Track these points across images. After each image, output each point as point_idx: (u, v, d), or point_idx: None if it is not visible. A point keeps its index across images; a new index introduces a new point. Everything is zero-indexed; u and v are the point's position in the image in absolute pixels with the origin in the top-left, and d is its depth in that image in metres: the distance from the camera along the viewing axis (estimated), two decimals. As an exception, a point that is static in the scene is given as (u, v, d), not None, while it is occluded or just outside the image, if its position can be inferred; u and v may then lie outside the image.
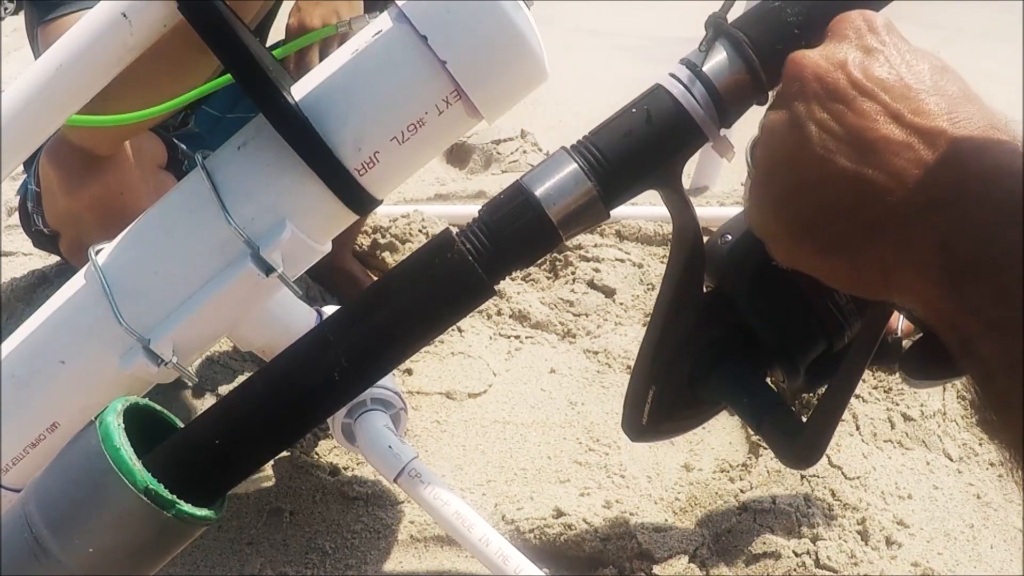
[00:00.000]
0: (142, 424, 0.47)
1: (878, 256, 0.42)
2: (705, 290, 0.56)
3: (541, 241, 0.49)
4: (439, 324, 0.49)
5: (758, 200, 0.47)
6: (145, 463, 0.44)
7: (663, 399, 0.57)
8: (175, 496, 0.43)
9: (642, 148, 0.49)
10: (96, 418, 0.44)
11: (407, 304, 0.47)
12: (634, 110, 0.50)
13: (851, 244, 0.43)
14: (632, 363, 1.55)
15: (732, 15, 0.52)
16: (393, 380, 1.11)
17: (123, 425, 0.44)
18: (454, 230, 0.49)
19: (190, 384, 0.75)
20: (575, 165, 0.49)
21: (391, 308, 0.48)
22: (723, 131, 0.51)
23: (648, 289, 1.68)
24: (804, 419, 0.54)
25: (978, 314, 0.38)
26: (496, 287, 0.49)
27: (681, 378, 0.56)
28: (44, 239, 1.47)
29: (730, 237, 0.57)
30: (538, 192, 0.48)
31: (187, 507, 0.44)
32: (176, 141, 1.45)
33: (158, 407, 0.50)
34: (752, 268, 0.54)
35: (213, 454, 0.46)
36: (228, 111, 1.24)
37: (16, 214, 1.54)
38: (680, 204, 0.52)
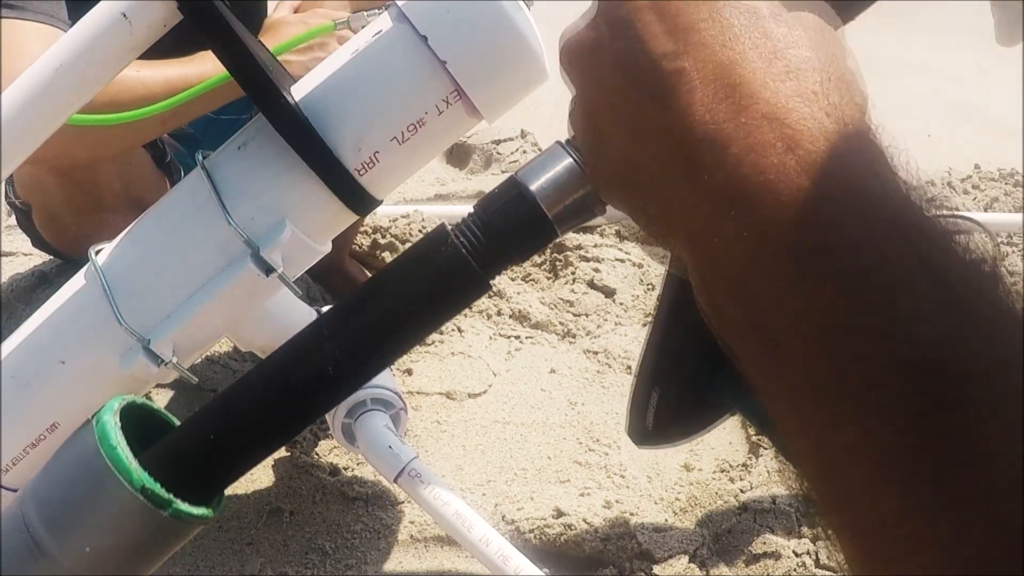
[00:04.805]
0: (139, 423, 0.46)
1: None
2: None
3: (536, 235, 0.49)
4: (434, 319, 0.49)
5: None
6: (141, 462, 0.44)
7: (667, 402, 0.56)
8: (172, 495, 0.43)
9: None
10: (93, 417, 0.44)
11: (401, 299, 0.47)
12: None
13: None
14: (632, 363, 1.56)
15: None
16: (393, 380, 1.11)
17: (120, 424, 0.44)
18: (449, 227, 0.49)
19: (190, 384, 0.74)
20: (570, 159, 0.49)
21: (386, 303, 0.47)
22: None
23: (648, 289, 1.68)
24: None
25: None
26: (491, 282, 0.49)
27: (685, 380, 0.56)
28: (27, 220, 1.48)
29: None
30: (532, 186, 0.48)
31: (184, 506, 0.44)
32: (168, 137, 1.45)
33: (155, 406, 0.50)
34: None
35: (209, 451, 0.46)
36: (221, 112, 1.24)
37: (14, 215, 1.55)
38: None
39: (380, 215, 1.72)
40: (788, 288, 0.31)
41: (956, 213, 0.58)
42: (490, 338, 1.58)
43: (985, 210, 2.05)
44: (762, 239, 0.31)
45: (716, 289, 0.35)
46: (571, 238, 1.76)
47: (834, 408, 0.29)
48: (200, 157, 0.66)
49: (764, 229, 0.31)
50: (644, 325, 1.58)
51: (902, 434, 0.28)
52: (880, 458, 0.28)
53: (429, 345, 1.54)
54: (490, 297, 1.64)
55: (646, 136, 0.36)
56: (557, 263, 1.74)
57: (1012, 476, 0.26)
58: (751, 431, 1.38)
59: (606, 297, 1.66)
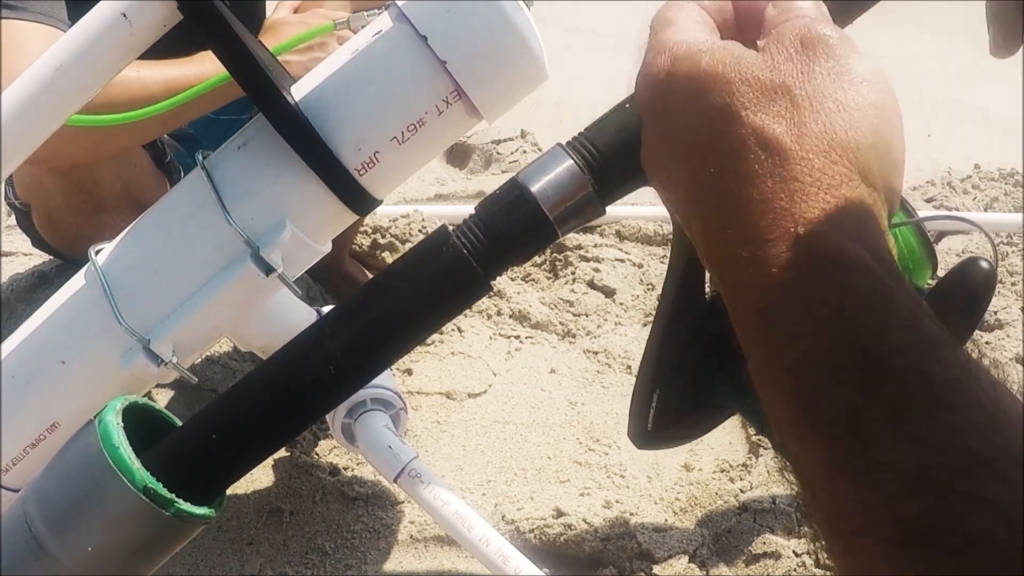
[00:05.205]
0: (141, 423, 0.47)
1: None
2: (710, 293, 0.56)
3: (537, 237, 0.49)
4: (435, 319, 0.49)
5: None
6: (143, 462, 0.44)
7: (668, 404, 0.56)
8: (174, 495, 0.43)
9: (636, 143, 0.49)
10: (95, 417, 0.45)
11: (403, 299, 0.47)
12: (628, 105, 0.50)
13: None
14: (632, 363, 1.56)
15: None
16: (393, 380, 1.11)
17: (122, 424, 0.44)
18: (451, 227, 0.49)
19: (190, 384, 0.75)
20: (570, 161, 0.49)
21: (387, 304, 0.48)
22: None
23: (648, 289, 1.68)
24: None
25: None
26: (492, 283, 0.49)
27: (685, 382, 0.56)
28: (27, 221, 1.48)
29: None
30: (534, 188, 0.48)
31: (186, 506, 0.44)
32: (167, 138, 1.45)
33: (157, 406, 0.50)
34: None
35: (211, 451, 0.46)
36: (221, 112, 1.24)
37: (14, 215, 1.55)
38: None
39: (380, 215, 1.72)
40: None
41: (955, 214, 0.58)
42: (490, 338, 1.58)
43: (985, 210, 2.05)
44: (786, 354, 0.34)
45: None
46: (571, 238, 1.76)
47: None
48: (200, 157, 0.66)
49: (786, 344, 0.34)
50: (644, 325, 1.58)
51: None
52: None
53: (429, 345, 1.54)
54: (490, 297, 1.64)
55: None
56: (557, 263, 1.74)
57: None
58: (751, 431, 1.38)
59: (606, 297, 1.66)
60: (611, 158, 0.49)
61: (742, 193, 0.36)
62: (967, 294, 0.42)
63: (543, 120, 2.25)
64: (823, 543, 0.34)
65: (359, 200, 0.65)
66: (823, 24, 0.40)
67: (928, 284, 0.52)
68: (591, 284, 1.67)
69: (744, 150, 0.37)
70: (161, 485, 0.43)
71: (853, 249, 0.34)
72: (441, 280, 0.48)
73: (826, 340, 0.33)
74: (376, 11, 0.68)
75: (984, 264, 0.42)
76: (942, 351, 0.33)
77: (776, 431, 0.36)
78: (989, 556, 0.28)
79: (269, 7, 1.35)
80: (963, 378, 0.32)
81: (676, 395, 0.56)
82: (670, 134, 0.41)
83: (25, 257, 1.71)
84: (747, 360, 0.37)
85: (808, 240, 0.35)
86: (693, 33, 0.42)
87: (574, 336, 1.58)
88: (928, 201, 2.09)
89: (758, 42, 0.41)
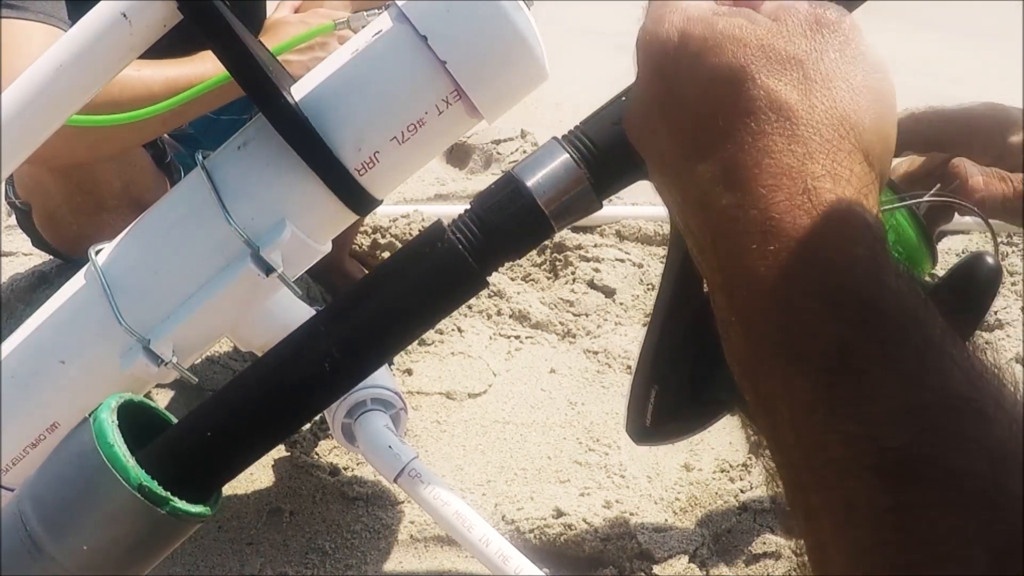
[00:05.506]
0: (136, 421, 0.46)
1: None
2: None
3: (533, 231, 0.49)
4: (431, 315, 0.49)
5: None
6: (138, 459, 0.44)
7: (666, 399, 0.56)
8: (169, 493, 0.43)
9: None
10: (90, 415, 0.44)
11: (398, 295, 0.47)
12: (624, 99, 0.50)
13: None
14: (632, 363, 1.56)
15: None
16: (393, 380, 1.11)
17: (116, 422, 0.44)
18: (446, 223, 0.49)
19: (190, 384, 0.75)
20: (566, 155, 0.49)
21: (382, 299, 0.47)
22: None
23: (648, 289, 1.68)
24: None
25: None
26: (488, 278, 0.49)
27: (683, 377, 0.56)
28: (27, 220, 1.48)
29: None
30: (529, 182, 0.48)
31: (181, 504, 0.44)
32: (168, 137, 1.46)
33: (152, 404, 0.50)
34: None
35: (206, 449, 0.46)
36: (222, 112, 1.24)
37: (14, 215, 1.55)
38: None
39: (380, 215, 1.72)
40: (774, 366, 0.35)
41: (963, 203, 0.58)
42: (490, 338, 1.58)
43: (985, 210, 2.05)
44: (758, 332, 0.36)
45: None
46: (571, 238, 1.76)
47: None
48: (200, 157, 0.66)
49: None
50: (644, 325, 1.58)
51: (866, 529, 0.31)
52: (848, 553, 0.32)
53: (429, 345, 1.54)
54: (490, 297, 1.64)
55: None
56: (557, 263, 1.74)
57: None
58: (751, 431, 1.38)
59: (606, 297, 1.66)
60: (607, 151, 0.49)
61: (751, 146, 0.37)
62: (972, 290, 0.42)
63: (543, 120, 2.25)
64: (785, 481, 0.35)
65: (359, 200, 0.65)
66: (833, 8, 0.41)
67: (928, 278, 0.51)
68: (591, 284, 1.67)
69: (756, 110, 0.38)
70: (156, 483, 0.43)
71: (858, 210, 0.36)
72: (436, 275, 0.47)
73: (826, 277, 0.34)
74: (376, 11, 0.68)
75: (989, 259, 0.42)
76: (931, 308, 0.34)
77: (743, 368, 0.37)
78: (970, 490, 0.29)
79: (269, 7, 1.35)
80: (950, 332, 0.33)
81: (674, 390, 0.56)
82: (675, 91, 0.41)
83: (25, 257, 1.72)
84: (722, 297, 0.38)
85: (815, 194, 0.36)
86: (699, 1, 0.43)
87: (574, 336, 1.58)
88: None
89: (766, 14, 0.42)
